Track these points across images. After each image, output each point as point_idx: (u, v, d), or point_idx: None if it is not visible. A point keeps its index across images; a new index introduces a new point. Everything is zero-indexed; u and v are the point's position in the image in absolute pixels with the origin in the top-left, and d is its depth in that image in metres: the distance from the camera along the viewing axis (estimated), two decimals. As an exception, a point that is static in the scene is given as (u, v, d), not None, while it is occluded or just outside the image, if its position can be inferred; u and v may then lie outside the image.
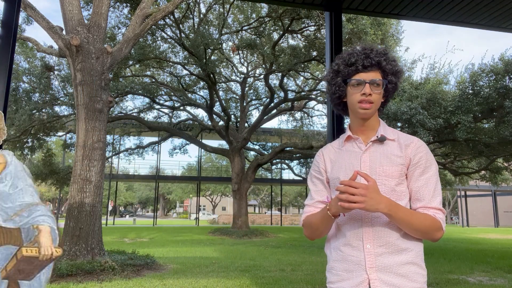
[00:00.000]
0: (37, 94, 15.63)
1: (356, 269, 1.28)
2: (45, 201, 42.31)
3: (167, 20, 15.06)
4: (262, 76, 19.33)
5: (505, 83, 10.07)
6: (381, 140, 1.35)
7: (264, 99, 21.19)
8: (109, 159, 23.60)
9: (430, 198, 1.29)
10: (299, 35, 15.58)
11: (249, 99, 21.33)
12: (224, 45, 18.03)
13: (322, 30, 14.18)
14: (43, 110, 15.88)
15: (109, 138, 22.44)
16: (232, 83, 21.63)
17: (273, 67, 16.04)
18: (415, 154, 1.32)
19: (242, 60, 20.05)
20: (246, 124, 20.86)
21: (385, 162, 1.33)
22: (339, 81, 1.39)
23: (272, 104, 18.56)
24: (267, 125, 23.55)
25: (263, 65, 17.86)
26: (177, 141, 23.64)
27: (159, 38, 16.15)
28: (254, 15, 16.41)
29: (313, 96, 19.21)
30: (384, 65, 1.35)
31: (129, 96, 18.04)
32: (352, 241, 1.31)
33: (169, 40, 16.42)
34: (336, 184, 1.36)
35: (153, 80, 18.14)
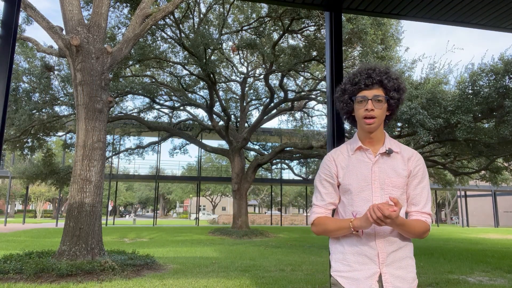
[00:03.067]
0: (37, 94, 15.61)
1: (369, 263, 1.49)
2: (45, 201, 42.35)
3: (167, 20, 15.06)
4: (262, 76, 19.33)
5: (505, 83, 10.06)
6: (389, 153, 1.54)
7: (264, 99, 21.18)
8: (109, 159, 23.59)
9: (424, 205, 1.53)
10: (299, 35, 15.57)
11: (249, 99, 21.32)
12: (224, 45, 18.04)
13: (322, 30, 14.18)
14: (43, 110, 15.87)
15: (109, 138, 22.46)
16: (232, 83, 21.63)
17: (273, 67, 16.04)
18: (415, 167, 1.55)
19: (242, 60, 20.06)
20: (246, 124, 20.86)
21: (392, 174, 1.52)
22: (346, 99, 1.59)
23: (272, 104, 18.55)
24: (267, 125, 23.59)
25: (263, 65, 17.86)
26: (177, 141, 23.65)
27: (159, 38, 16.15)
28: (254, 15, 16.40)
29: (313, 96, 19.20)
30: (386, 82, 1.51)
31: (129, 96, 18.05)
32: (367, 240, 1.51)
33: (169, 40, 16.42)
34: (347, 190, 1.56)
35: (153, 80, 18.13)
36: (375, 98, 1.48)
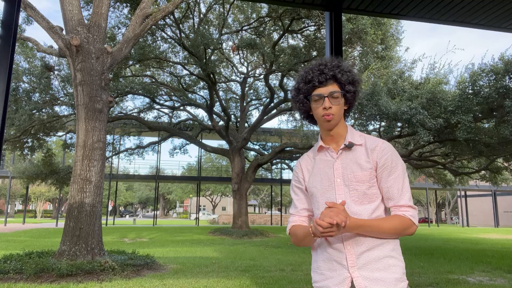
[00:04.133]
0: (37, 94, 15.61)
1: (339, 268, 1.39)
2: (45, 201, 42.37)
3: (167, 20, 15.06)
4: (262, 76, 19.33)
5: (505, 83, 10.05)
6: (349, 146, 1.45)
7: (264, 99, 21.18)
8: (109, 159, 23.59)
9: (399, 197, 1.40)
10: (299, 35, 15.57)
11: (249, 99, 21.32)
12: (224, 45, 18.05)
13: (322, 30, 14.19)
14: (43, 110, 15.87)
15: (109, 138, 22.44)
16: (232, 83, 21.63)
17: (273, 67, 16.04)
18: (381, 157, 1.42)
19: (242, 60, 20.06)
20: (246, 124, 20.85)
21: (355, 168, 1.42)
22: (301, 98, 1.51)
23: (272, 104, 18.55)
24: (267, 125, 23.55)
25: (263, 65, 17.86)
26: (177, 141, 23.62)
27: (159, 38, 16.15)
28: (254, 15, 16.40)
29: (313, 96, 19.17)
30: (339, 77, 1.43)
31: (129, 96, 18.05)
32: (334, 242, 1.41)
33: (169, 40, 16.42)
34: (313, 192, 1.50)
35: (153, 80, 18.13)
36: (331, 94, 1.41)
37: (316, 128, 21.47)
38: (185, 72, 18.65)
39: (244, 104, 20.70)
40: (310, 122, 1.58)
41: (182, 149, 22.96)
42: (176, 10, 13.64)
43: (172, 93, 18.87)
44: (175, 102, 19.94)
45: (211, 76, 15.84)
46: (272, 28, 16.01)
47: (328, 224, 1.24)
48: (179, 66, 18.38)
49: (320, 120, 1.46)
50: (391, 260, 1.38)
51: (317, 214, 1.48)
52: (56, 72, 15.65)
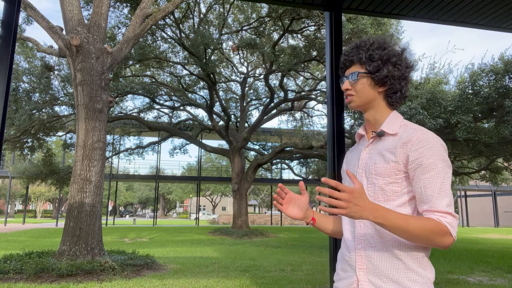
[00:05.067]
0: (37, 94, 15.63)
1: (349, 269, 1.27)
2: (45, 201, 42.36)
3: (167, 20, 15.07)
4: (262, 76, 19.35)
5: (505, 82, 10.06)
6: (379, 135, 1.28)
7: (264, 99, 21.20)
8: (109, 159, 23.60)
9: (435, 200, 1.12)
10: (299, 35, 15.57)
11: (249, 99, 21.33)
12: (224, 45, 18.05)
13: (322, 30, 14.18)
14: (43, 110, 15.88)
15: (109, 138, 22.46)
16: (232, 83, 21.64)
17: (273, 67, 16.05)
18: (414, 150, 1.17)
19: (242, 60, 20.07)
20: (246, 124, 20.86)
21: (378, 159, 1.24)
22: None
23: (272, 104, 18.56)
24: (267, 125, 23.58)
25: (263, 65, 17.87)
26: (177, 141, 23.65)
27: (159, 38, 16.16)
28: (254, 15, 16.41)
29: (313, 96, 19.21)
30: (361, 56, 1.30)
31: (129, 96, 18.06)
32: (347, 240, 1.30)
33: (169, 40, 16.43)
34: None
35: (153, 80, 18.14)
36: (349, 76, 1.33)
37: (316, 128, 21.50)
38: (185, 72, 18.67)
39: (244, 104, 20.71)
40: None
41: (182, 149, 23.00)
42: (176, 10, 13.65)
43: (172, 93, 18.88)
44: (175, 102, 19.96)
45: (211, 76, 15.84)
46: (272, 28, 16.01)
47: (338, 184, 1.05)
48: (179, 66, 18.40)
49: None
50: (410, 273, 1.16)
51: None
52: (56, 72, 15.66)
